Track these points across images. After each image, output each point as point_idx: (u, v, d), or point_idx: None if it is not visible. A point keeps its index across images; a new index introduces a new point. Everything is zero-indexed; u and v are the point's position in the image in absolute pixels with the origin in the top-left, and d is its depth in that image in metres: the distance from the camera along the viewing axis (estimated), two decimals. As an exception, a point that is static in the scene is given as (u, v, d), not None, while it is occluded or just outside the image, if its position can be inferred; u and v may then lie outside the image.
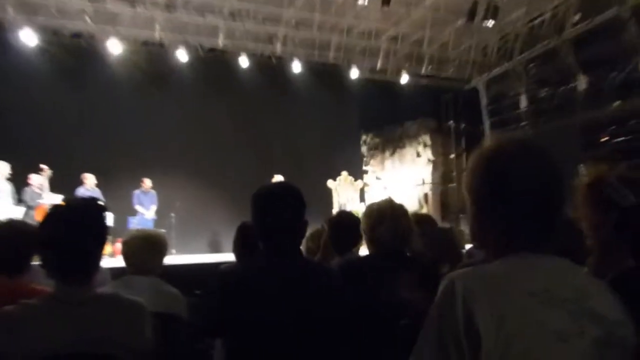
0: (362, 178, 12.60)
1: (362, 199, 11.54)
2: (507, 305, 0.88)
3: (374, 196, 13.75)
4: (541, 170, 0.99)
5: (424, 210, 12.64)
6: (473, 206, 1.06)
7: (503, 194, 0.98)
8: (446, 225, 8.36)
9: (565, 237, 1.16)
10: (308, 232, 2.02)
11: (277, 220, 1.70)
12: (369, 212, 2.33)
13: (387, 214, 2.24)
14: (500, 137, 1.06)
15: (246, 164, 10.77)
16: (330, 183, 11.06)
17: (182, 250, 9.40)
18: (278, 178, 8.68)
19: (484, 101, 12.93)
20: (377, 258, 2.19)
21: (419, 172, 13.77)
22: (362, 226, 2.33)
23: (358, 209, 9.77)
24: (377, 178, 14.68)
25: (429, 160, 13.68)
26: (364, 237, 2.35)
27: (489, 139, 1.08)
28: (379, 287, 2.01)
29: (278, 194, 1.78)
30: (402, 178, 14.06)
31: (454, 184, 13.03)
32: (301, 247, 1.89)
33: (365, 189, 13.16)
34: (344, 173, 11.28)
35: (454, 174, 13.19)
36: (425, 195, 13.44)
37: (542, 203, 0.98)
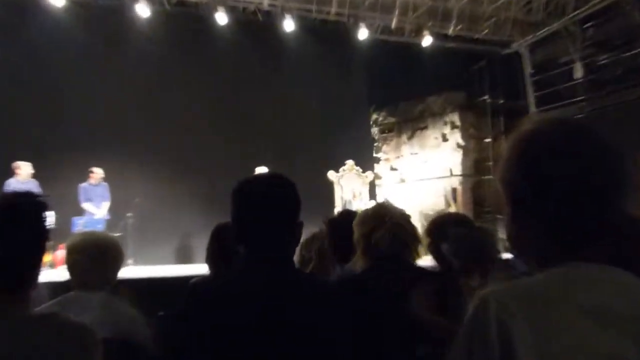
0: (372, 168, 12.61)
1: (372, 195, 11.54)
2: (553, 325, 0.90)
3: (388, 191, 13.78)
4: (583, 153, 1.00)
5: (452, 209, 12.68)
6: (509, 203, 1.08)
7: (541, 185, 1.00)
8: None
9: (626, 239, 1.16)
10: (303, 238, 2.02)
11: (263, 219, 1.70)
12: (362, 219, 2.38)
13: (385, 218, 2.27)
14: (540, 117, 1.07)
15: (224, 150, 10.76)
16: (331, 175, 11.07)
17: (141, 261, 9.43)
18: (261, 170, 8.67)
19: (527, 70, 12.92)
20: (382, 270, 2.22)
21: (445, 160, 13.79)
22: (355, 236, 2.37)
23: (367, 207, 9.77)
24: (392, 168, 14.71)
25: (457, 145, 13.70)
26: (357, 249, 2.38)
27: (528, 120, 1.08)
28: (388, 304, 2.04)
29: (265, 188, 1.78)
30: (423, 168, 14.08)
31: (490, 176, 13.04)
32: (294, 258, 1.89)
33: (377, 182, 13.19)
34: (349, 162, 11.29)
35: (490, 163, 13.20)
36: (454, 190, 13.47)
37: (588, 194, 0.99)
